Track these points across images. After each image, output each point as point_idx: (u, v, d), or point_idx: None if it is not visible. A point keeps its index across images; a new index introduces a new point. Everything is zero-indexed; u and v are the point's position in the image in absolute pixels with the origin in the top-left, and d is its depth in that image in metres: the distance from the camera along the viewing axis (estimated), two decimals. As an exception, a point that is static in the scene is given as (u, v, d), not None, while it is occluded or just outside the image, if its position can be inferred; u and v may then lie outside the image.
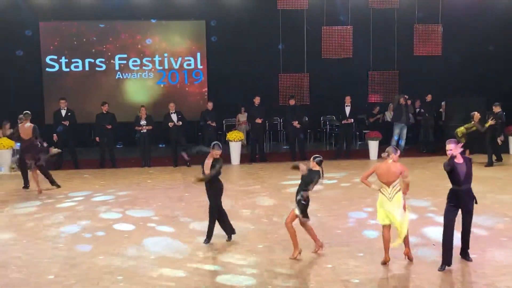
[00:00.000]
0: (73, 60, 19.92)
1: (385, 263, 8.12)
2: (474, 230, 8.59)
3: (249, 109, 18.19)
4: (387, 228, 8.14)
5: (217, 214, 9.20)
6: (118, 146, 18.94)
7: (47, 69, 19.83)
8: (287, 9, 19.24)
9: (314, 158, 8.54)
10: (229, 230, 9.37)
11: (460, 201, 7.90)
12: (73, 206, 12.00)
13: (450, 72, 20.36)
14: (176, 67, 20.39)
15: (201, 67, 20.44)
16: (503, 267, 7.96)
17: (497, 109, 16.08)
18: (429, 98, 18.19)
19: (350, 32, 19.52)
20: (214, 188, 9.14)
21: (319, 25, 19.48)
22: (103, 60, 20.04)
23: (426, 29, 19.72)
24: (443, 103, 18.75)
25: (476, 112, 15.70)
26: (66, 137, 16.30)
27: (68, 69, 19.94)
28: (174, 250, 8.97)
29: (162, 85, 20.33)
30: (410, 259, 8.22)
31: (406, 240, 8.19)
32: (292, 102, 17.44)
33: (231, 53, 20.06)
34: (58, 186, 13.59)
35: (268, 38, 19.95)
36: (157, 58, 20.26)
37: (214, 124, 16.99)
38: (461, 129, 15.53)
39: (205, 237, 9.22)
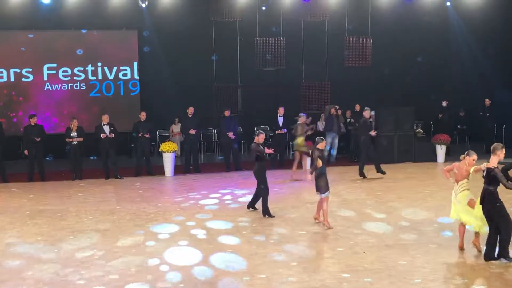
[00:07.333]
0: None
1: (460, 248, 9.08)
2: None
3: (182, 119, 18.09)
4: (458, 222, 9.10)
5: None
6: (48, 159, 18.46)
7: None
8: (219, 20, 19.30)
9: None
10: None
11: None
12: (0, 220, 11.62)
13: (379, 83, 20.93)
14: (111, 77, 20.07)
15: (138, 77, 20.20)
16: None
17: (366, 114, 16.02)
18: (357, 108, 18.63)
19: (282, 43, 19.76)
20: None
21: (252, 36, 19.64)
22: (30, 70, 19.52)
23: (356, 41, 20.19)
24: (372, 112, 19.15)
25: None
26: (-8, 150, 15.75)
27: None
28: (106, 265, 8.80)
29: (95, 96, 19.94)
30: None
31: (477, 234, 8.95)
32: (226, 113, 17.48)
33: (164, 64, 19.96)
34: None
35: (201, 49, 19.95)
36: (90, 68, 19.89)
37: (147, 135, 16.76)
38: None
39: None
